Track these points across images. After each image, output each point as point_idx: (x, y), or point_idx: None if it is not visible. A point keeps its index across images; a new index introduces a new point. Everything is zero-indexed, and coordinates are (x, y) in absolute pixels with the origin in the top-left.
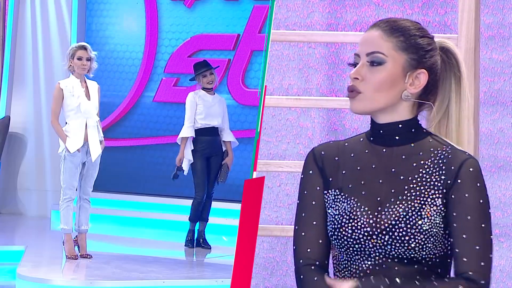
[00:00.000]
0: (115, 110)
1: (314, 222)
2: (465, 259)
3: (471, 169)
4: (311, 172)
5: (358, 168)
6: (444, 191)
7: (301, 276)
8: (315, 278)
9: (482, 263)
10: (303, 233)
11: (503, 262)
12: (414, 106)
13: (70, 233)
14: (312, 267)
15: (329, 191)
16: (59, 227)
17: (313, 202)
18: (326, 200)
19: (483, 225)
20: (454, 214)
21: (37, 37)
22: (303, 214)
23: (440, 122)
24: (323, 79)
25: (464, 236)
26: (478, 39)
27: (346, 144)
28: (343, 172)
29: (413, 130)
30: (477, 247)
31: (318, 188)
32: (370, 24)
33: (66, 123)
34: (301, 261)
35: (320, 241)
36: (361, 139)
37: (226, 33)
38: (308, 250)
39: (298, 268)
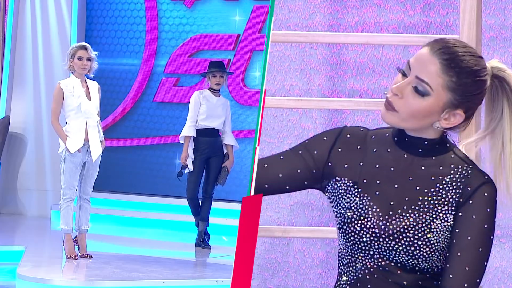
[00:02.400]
0: (115, 110)
1: (280, 175)
2: (451, 276)
3: (485, 194)
4: (325, 138)
5: (377, 166)
6: (456, 208)
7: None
8: None
9: (466, 285)
10: (265, 165)
11: (505, 263)
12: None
13: (70, 233)
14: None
15: (342, 179)
16: (59, 227)
17: (299, 158)
18: (334, 187)
19: (480, 250)
20: (457, 231)
21: (37, 37)
22: (281, 157)
23: (492, 150)
24: (324, 80)
25: (458, 254)
26: (480, 40)
27: (373, 137)
28: (361, 164)
29: (437, 146)
30: (467, 268)
31: (312, 159)
32: (372, 25)
33: (66, 123)
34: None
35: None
36: (387, 134)
37: (226, 33)
38: (266, 186)
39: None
